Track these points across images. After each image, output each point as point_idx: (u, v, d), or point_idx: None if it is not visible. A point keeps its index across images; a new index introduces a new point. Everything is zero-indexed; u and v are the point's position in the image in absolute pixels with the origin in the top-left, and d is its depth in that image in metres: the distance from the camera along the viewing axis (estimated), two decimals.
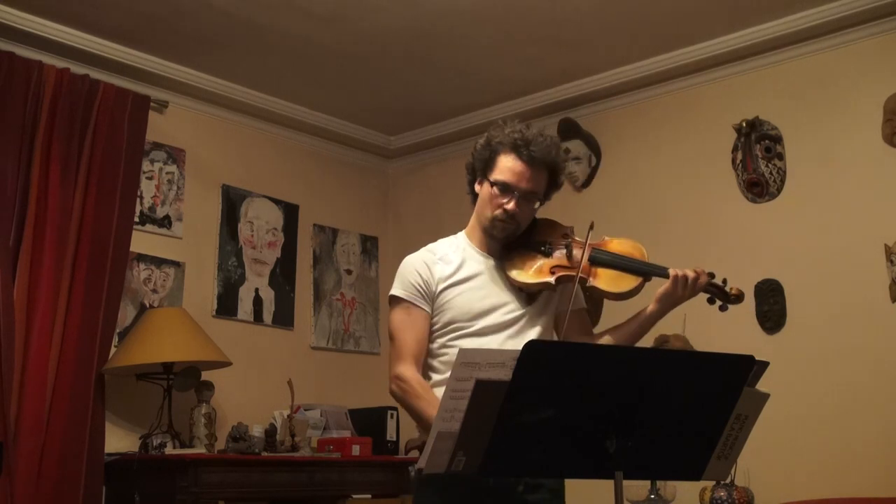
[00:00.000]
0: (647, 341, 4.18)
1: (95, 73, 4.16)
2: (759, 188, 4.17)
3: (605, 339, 2.54)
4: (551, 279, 2.44)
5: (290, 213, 5.01)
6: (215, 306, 4.60)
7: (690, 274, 2.42)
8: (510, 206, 2.43)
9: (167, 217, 4.47)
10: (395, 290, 2.47)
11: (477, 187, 2.53)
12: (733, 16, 4.05)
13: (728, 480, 3.63)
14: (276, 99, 4.85)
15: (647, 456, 1.91)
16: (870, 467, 3.69)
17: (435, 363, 2.44)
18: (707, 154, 4.36)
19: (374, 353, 5.28)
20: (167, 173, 4.50)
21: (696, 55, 4.32)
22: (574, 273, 2.44)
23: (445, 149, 5.31)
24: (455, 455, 1.82)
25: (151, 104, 4.35)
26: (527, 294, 2.48)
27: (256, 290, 4.78)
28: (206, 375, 4.14)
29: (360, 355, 5.21)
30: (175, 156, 4.55)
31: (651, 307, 2.48)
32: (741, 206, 4.23)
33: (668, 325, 4.16)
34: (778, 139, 4.16)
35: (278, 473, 4.09)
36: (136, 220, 4.28)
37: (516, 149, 2.43)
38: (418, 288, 2.43)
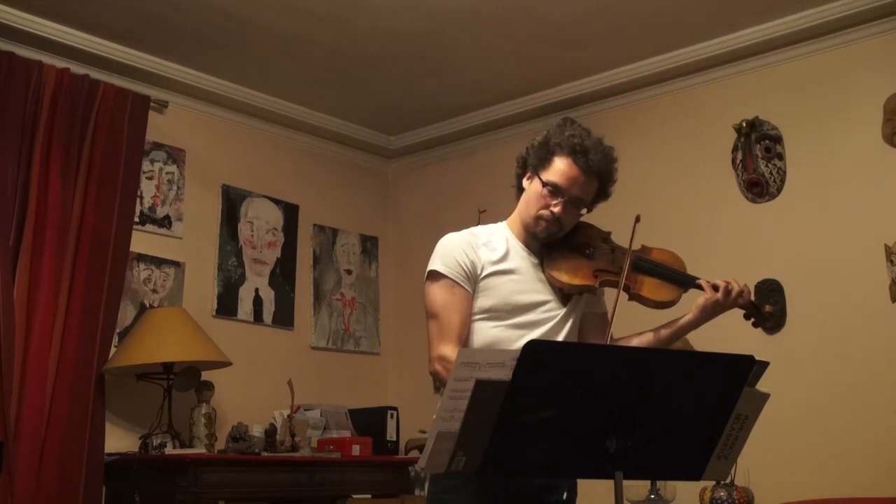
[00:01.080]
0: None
1: (95, 73, 4.16)
2: (759, 188, 4.17)
3: (637, 342, 2.52)
4: (595, 283, 2.44)
5: (290, 213, 5.01)
6: (215, 306, 4.60)
7: (736, 286, 2.45)
8: (557, 209, 2.41)
9: (167, 217, 4.47)
10: (438, 266, 2.39)
11: (525, 182, 2.50)
12: (733, 16, 4.05)
13: (728, 480, 3.63)
14: (276, 99, 4.85)
15: (647, 456, 1.91)
16: (870, 467, 3.69)
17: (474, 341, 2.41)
18: (707, 154, 4.36)
19: (374, 353, 5.29)
20: (167, 173, 4.50)
21: (696, 55, 4.32)
22: (617, 278, 2.43)
23: (445, 149, 5.31)
24: (455, 455, 1.82)
25: (151, 104, 4.35)
26: (563, 294, 2.46)
27: (256, 290, 4.78)
28: (206, 375, 4.14)
29: (360, 355, 5.21)
30: (175, 156, 4.55)
31: (690, 316, 2.47)
32: (741, 206, 4.23)
33: None
34: (778, 139, 4.16)
35: (278, 473, 4.09)
36: (136, 220, 4.28)
37: (574, 153, 2.40)
38: (463, 267, 2.38)
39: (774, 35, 4.11)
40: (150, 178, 4.42)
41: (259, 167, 4.92)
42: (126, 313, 4.21)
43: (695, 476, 2.01)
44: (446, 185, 5.24)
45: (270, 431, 4.17)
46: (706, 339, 4.04)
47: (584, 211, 2.48)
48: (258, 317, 4.76)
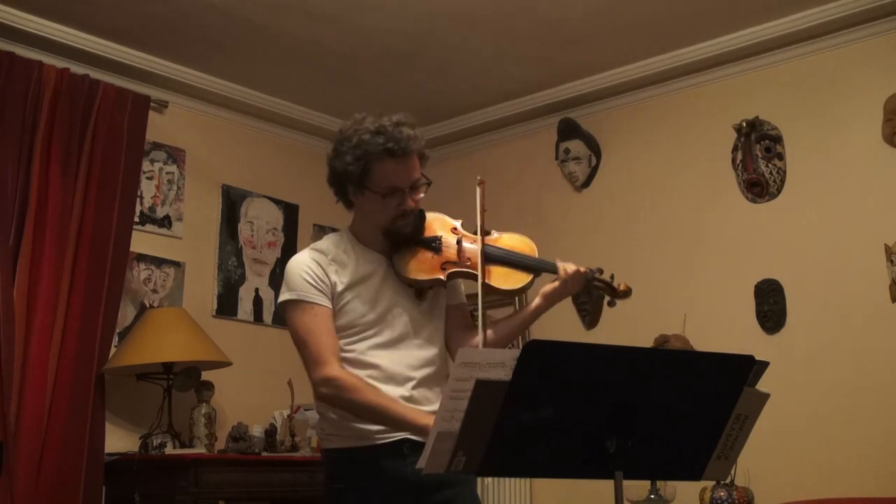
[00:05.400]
0: (646, 341, 4.21)
1: (95, 73, 4.16)
2: (759, 188, 4.16)
3: (489, 334, 2.50)
4: (442, 276, 2.44)
5: (290, 213, 5.01)
6: (215, 306, 4.60)
7: (579, 269, 2.44)
8: (407, 205, 2.43)
9: (167, 217, 4.47)
10: (287, 295, 2.42)
11: (353, 199, 2.50)
12: (733, 16, 4.05)
13: (728, 480, 3.63)
14: (276, 99, 4.85)
15: (647, 456, 1.91)
16: (870, 467, 3.69)
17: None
18: (707, 154, 4.36)
19: None
20: (167, 173, 4.50)
21: (696, 55, 4.32)
22: (464, 269, 2.44)
23: (445, 149, 5.30)
24: (455, 455, 1.82)
25: (151, 104, 4.35)
26: (416, 290, 2.47)
27: (256, 290, 4.79)
28: (206, 375, 4.14)
29: None
30: (175, 156, 4.55)
31: (537, 301, 2.48)
32: (741, 206, 4.23)
33: (668, 325, 4.17)
34: (778, 139, 4.15)
35: (278, 473, 4.09)
36: (136, 220, 4.28)
37: (389, 153, 2.38)
38: (315, 285, 2.40)
39: (774, 35, 4.11)
40: (150, 178, 4.42)
41: (259, 167, 4.92)
42: (126, 313, 4.21)
43: (695, 476, 2.01)
44: (446, 185, 5.20)
45: (270, 431, 4.17)
46: (706, 339, 4.06)
47: (425, 188, 2.48)
48: (258, 317, 4.76)
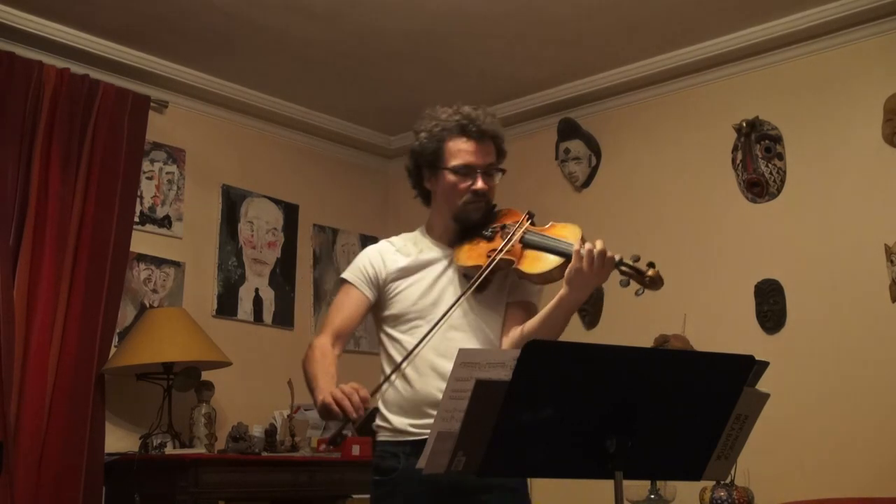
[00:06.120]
0: (646, 341, 4.20)
1: (95, 73, 4.16)
2: (759, 188, 4.16)
3: (519, 331, 2.44)
4: (483, 263, 2.39)
5: (290, 213, 5.01)
6: (215, 306, 4.60)
7: (597, 246, 2.25)
8: (478, 185, 2.42)
9: (167, 217, 4.47)
10: (344, 273, 2.54)
11: (429, 185, 2.51)
12: (733, 16, 4.05)
13: (728, 480, 3.63)
14: (276, 99, 4.85)
15: (647, 456, 1.91)
16: (870, 467, 3.69)
17: (392, 352, 2.48)
18: (707, 154, 4.36)
19: (374, 353, 5.25)
20: (167, 173, 4.51)
21: (696, 55, 4.32)
22: (506, 256, 2.36)
23: None
24: (455, 455, 1.82)
25: (151, 104, 4.35)
26: (478, 283, 2.41)
27: (256, 290, 4.79)
28: (206, 375, 4.14)
29: (360, 355, 5.19)
30: (175, 156, 4.55)
31: (561, 291, 2.32)
32: (741, 206, 4.23)
33: (668, 325, 4.17)
34: (778, 139, 4.15)
35: (278, 473, 4.09)
36: (136, 220, 4.28)
37: (463, 130, 2.43)
38: (365, 273, 2.48)
39: (774, 35, 4.11)
40: (150, 178, 4.42)
41: (259, 167, 4.92)
42: (126, 313, 4.22)
43: (695, 476, 2.01)
44: None
45: (270, 431, 4.17)
46: (706, 339, 4.06)
47: (499, 176, 2.48)
48: (258, 317, 4.76)
